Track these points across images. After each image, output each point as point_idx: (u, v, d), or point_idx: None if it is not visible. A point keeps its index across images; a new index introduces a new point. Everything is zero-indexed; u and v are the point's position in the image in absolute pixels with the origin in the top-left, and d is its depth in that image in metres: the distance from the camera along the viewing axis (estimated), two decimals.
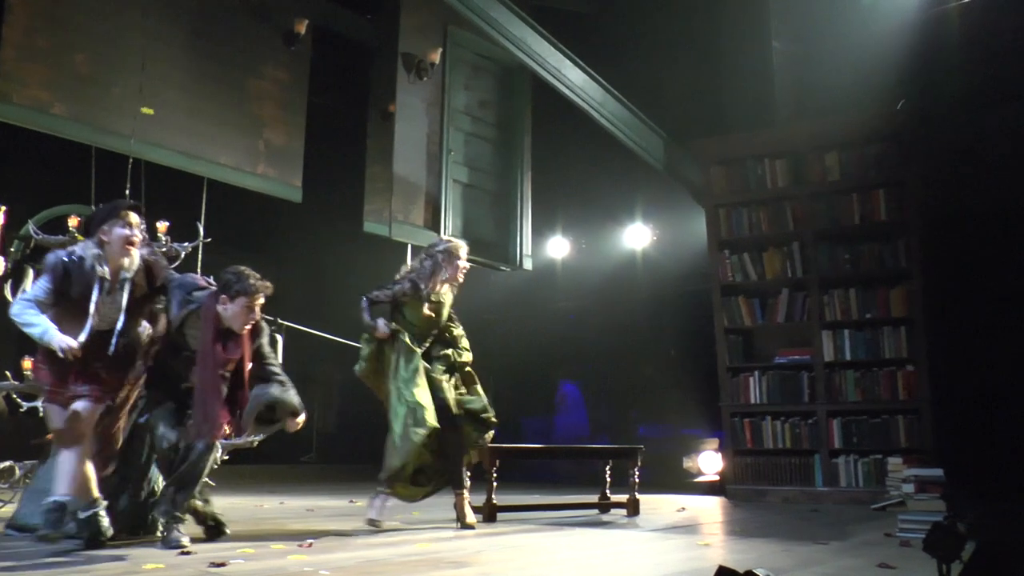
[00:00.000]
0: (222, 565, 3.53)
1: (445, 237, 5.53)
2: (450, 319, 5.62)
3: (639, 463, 6.62)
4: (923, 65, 8.69)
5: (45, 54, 6.85)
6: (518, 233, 9.44)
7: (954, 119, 8.81)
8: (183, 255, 6.90)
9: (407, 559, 3.93)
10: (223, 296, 4.41)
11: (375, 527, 5.12)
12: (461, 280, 5.55)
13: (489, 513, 5.78)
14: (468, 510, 5.34)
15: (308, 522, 5.64)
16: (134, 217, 4.27)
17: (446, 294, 5.52)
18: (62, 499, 3.99)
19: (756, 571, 2.48)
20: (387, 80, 8.75)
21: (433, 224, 8.72)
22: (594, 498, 6.60)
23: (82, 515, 4.03)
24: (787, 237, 8.91)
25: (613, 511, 6.60)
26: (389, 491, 5.21)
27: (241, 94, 8.10)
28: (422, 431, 5.06)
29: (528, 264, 9.63)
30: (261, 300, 4.46)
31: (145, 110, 7.42)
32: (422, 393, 5.16)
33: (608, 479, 6.62)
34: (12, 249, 5.97)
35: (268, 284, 4.49)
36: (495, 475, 5.79)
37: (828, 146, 8.80)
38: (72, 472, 4.05)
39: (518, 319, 13.39)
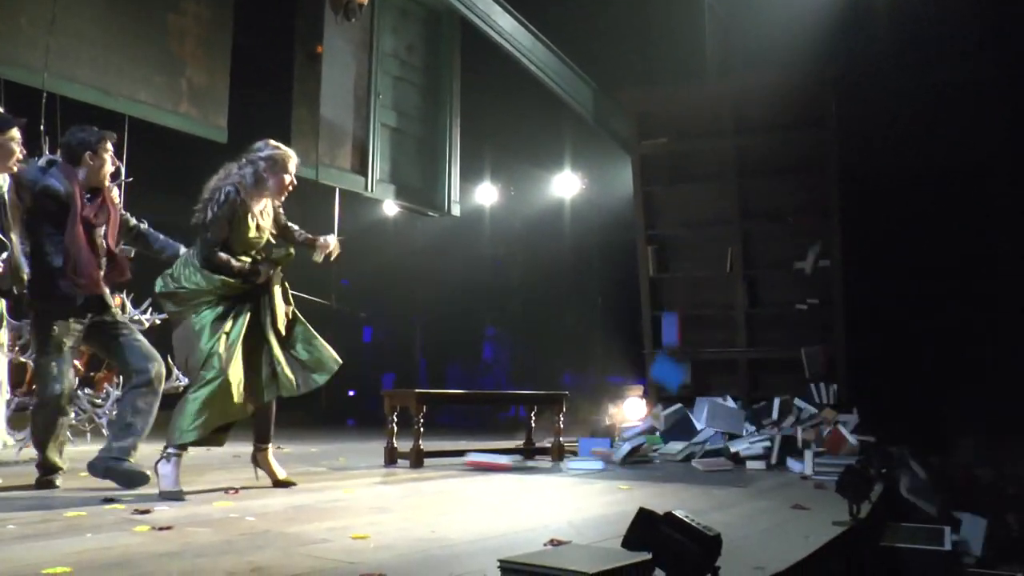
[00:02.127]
0: (146, 512, 3.51)
1: (272, 143, 4.57)
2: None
3: (564, 409, 6.73)
4: (848, 28, 8.90)
5: None
6: (446, 179, 9.38)
7: (875, 82, 9.06)
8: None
9: (332, 504, 3.96)
10: (88, 154, 4.42)
11: None
12: (283, 198, 4.62)
13: (416, 459, 5.84)
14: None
15: (233, 469, 5.62)
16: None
17: (267, 212, 4.57)
18: None
19: (675, 512, 2.56)
20: (313, 21, 8.54)
21: (360, 168, 8.60)
22: (520, 444, 6.71)
23: None
24: (715, 190, 9.12)
25: (538, 457, 6.72)
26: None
27: (161, 29, 7.81)
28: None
29: (456, 210, 9.61)
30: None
31: None
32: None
33: (532, 425, 6.73)
34: None
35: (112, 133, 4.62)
36: (421, 421, 5.84)
37: (749, 102, 8.98)
38: None
39: (444, 265, 13.39)
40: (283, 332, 4.46)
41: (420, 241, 12.86)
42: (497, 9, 8.43)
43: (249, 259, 4.41)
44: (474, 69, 9.82)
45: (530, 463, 6.43)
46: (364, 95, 8.67)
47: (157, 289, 4.38)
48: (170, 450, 4.12)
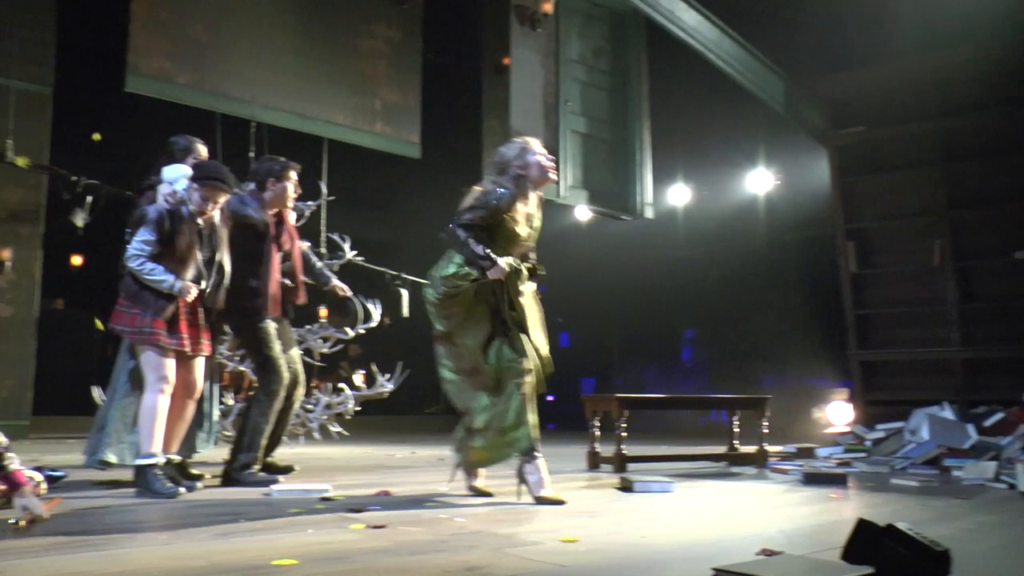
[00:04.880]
0: (361, 511, 3.66)
1: (508, 142, 4.39)
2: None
3: (767, 413, 6.52)
4: None
5: (167, 26, 7.12)
6: (638, 182, 9.32)
7: None
8: (307, 214, 7.13)
9: (539, 507, 3.99)
10: (271, 180, 4.88)
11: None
12: (553, 178, 4.43)
13: (619, 463, 5.80)
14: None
15: (439, 471, 5.77)
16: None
17: (537, 207, 4.41)
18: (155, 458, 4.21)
19: (897, 525, 2.41)
20: (500, 34, 8.71)
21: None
22: (722, 449, 6.53)
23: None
24: (920, 178, 8.58)
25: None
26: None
27: (354, 54, 8.23)
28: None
29: (650, 213, 9.51)
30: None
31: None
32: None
33: (736, 430, 6.54)
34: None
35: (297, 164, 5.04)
36: (624, 425, 5.80)
37: (953, 80, 8.38)
38: (162, 426, 4.26)
39: (639, 268, 13.28)
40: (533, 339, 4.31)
41: (614, 245, 12.82)
42: (681, 5, 8.30)
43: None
44: (662, 69, 9.71)
45: (734, 469, 6.25)
46: (553, 102, 8.76)
47: (429, 296, 4.31)
48: (526, 457, 4.16)
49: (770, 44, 9.23)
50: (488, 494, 4.31)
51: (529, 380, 4.15)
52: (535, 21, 8.64)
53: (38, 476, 3.69)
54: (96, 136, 7.02)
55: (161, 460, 4.23)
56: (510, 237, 4.22)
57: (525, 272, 4.26)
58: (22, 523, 3.11)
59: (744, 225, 12.46)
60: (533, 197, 4.34)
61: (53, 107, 8.75)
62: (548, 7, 8.71)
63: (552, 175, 4.35)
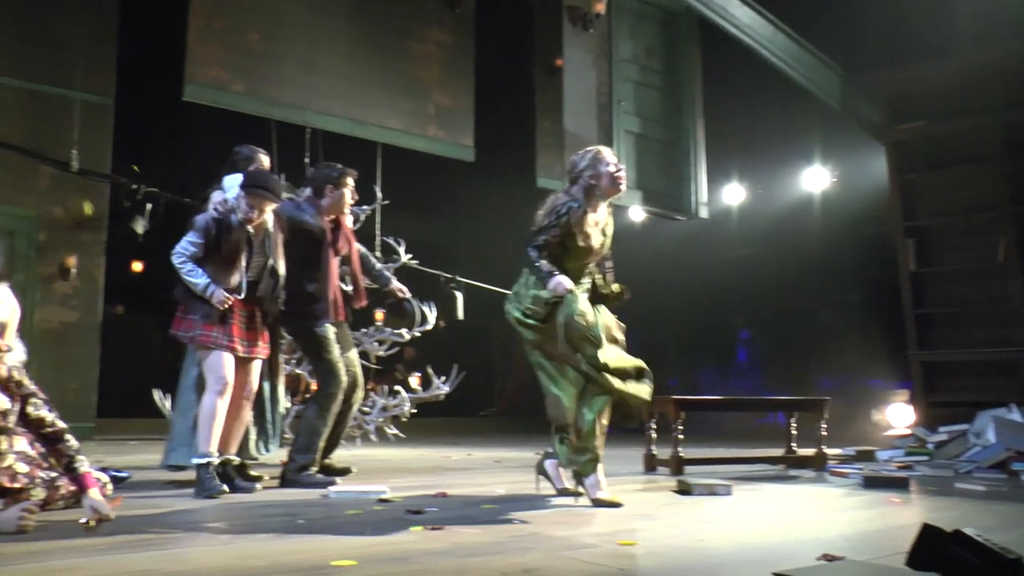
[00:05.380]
0: (418, 513, 3.68)
1: (584, 150, 4.40)
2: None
3: (825, 415, 6.41)
4: None
5: (221, 35, 7.23)
6: (692, 181, 9.25)
7: None
8: (362, 218, 7.19)
9: (596, 509, 3.97)
10: (329, 187, 4.95)
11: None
12: (623, 189, 4.41)
13: (676, 466, 5.75)
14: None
15: (496, 473, 5.79)
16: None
17: (609, 215, 4.43)
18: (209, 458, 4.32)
19: (964, 530, 2.34)
20: (552, 35, 8.71)
21: None
22: (780, 452, 6.44)
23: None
24: (982, 173, 8.37)
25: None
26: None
27: (407, 59, 8.27)
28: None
29: (704, 212, 9.44)
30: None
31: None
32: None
33: (794, 432, 6.44)
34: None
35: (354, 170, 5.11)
36: (680, 428, 5.75)
37: (1015, 72, 8.16)
38: (219, 427, 4.38)
39: (693, 268, 13.16)
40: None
41: (668, 245, 12.73)
42: (734, 2, 8.23)
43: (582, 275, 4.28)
44: (715, 67, 9.63)
45: (792, 472, 6.16)
46: (606, 103, 8.74)
47: (515, 315, 4.27)
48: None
49: (825, 39, 9.10)
50: (578, 494, 4.30)
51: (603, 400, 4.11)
52: (587, 21, 8.63)
53: (104, 477, 3.78)
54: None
55: (216, 460, 4.34)
56: (584, 247, 4.26)
57: (582, 291, 4.25)
58: (92, 523, 3.19)
59: (800, 224, 12.28)
60: (604, 206, 4.37)
61: (114, 117, 8.98)
62: (600, 7, 8.69)
63: (623, 185, 4.35)
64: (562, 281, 4.05)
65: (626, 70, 9.02)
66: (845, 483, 5.48)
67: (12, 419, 3.34)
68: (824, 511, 4.22)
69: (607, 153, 4.38)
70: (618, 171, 4.32)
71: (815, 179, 11.81)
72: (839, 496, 4.83)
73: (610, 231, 4.41)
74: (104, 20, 9.03)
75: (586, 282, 4.34)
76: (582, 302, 4.17)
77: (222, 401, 4.35)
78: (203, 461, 4.30)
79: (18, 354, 3.74)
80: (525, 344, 4.30)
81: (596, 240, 4.30)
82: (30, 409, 3.38)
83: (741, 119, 10.82)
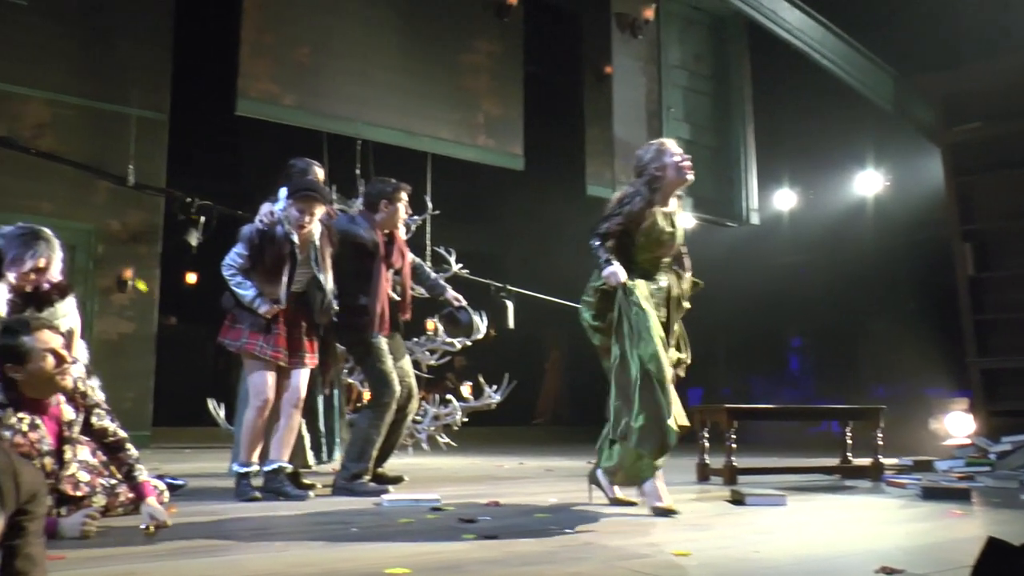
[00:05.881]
0: (471, 522, 3.69)
1: (648, 144, 4.41)
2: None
3: (881, 424, 6.29)
4: None
5: (272, 50, 7.36)
6: (743, 187, 9.17)
7: None
8: (413, 228, 7.24)
9: (649, 519, 3.95)
10: (383, 202, 5.01)
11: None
12: (691, 179, 4.36)
13: (729, 475, 5.69)
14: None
15: (548, 482, 5.78)
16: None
17: (679, 207, 4.46)
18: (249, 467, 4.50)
19: None
20: (600, 43, 8.71)
21: None
22: (835, 462, 6.34)
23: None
24: None
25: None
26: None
27: (456, 70, 8.33)
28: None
29: (755, 219, 9.35)
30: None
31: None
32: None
33: (849, 442, 6.33)
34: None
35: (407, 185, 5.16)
36: (733, 437, 5.69)
37: None
38: (257, 438, 4.53)
39: (744, 275, 13.02)
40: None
41: (719, 252, 12.61)
42: (784, 4, 8.14)
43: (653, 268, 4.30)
44: (764, 71, 9.54)
45: (848, 482, 6.05)
46: (655, 109, 8.71)
47: (584, 316, 4.31)
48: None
49: (877, 41, 8.96)
50: (631, 503, 4.31)
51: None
52: (636, 28, 8.61)
53: (161, 485, 3.85)
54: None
55: (255, 469, 4.51)
56: (655, 238, 4.27)
57: (642, 284, 4.21)
58: (151, 529, 3.25)
59: (853, 229, 12.09)
60: (673, 199, 4.39)
61: (169, 132, 9.17)
62: (649, 13, 8.66)
63: (689, 175, 4.34)
64: (616, 271, 4.08)
65: (675, 76, 8.98)
66: (903, 494, 5.36)
67: (76, 429, 3.41)
68: (881, 523, 4.14)
69: (671, 144, 4.40)
70: (683, 160, 4.33)
71: (868, 183, 11.64)
72: (897, 507, 4.73)
73: (680, 224, 4.41)
74: (159, 38, 9.24)
75: (662, 280, 4.35)
76: (641, 297, 4.12)
77: (259, 416, 4.51)
78: (241, 470, 4.51)
79: (81, 361, 3.84)
80: (597, 350, 4.34)
81: (666, 230, 4.29)
82: (94, 419, 3.47)
83: (791, 124, 10.69)
